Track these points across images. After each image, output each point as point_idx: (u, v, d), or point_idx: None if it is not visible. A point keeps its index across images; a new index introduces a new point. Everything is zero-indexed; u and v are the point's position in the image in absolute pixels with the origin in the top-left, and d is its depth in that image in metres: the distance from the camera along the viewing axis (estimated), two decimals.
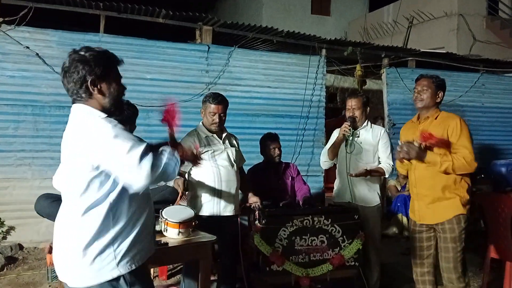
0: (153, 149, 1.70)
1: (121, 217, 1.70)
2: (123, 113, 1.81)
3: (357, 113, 3.46)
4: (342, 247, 3.12)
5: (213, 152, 3.21)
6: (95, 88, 1.71)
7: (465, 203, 2.84)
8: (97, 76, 1.70)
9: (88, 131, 1.65)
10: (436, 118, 2.92)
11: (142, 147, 1.62)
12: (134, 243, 1.73)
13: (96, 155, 1.63)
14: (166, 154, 1.74)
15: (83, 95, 1.70)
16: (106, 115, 1.72)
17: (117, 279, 1.69)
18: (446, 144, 2.78)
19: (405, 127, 3.21)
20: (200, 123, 3.33)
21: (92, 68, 1.68)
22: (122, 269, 1.69)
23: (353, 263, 3.16)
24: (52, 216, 2.73)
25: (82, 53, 1.69)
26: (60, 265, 1.74)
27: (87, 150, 1.63)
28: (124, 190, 1.70)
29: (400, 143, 2.81)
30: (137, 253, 1.75)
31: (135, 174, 1.61)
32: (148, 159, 1.62)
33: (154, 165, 1.63)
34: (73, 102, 1.75)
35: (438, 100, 2.94)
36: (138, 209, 1.77)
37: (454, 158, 2.73)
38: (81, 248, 1.65)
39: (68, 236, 1.69)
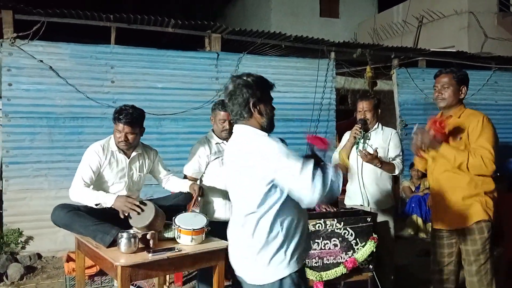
0: (317, 165, 1.82)
1: (288, 222, 1.89)
2: (272, 130, 2.01)
3: (368, 115, 3.44)
4: (356, 250, 3.11)
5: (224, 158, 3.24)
6: (255, 109, 1.92)
7: (487, 208, 2.62)
8: (257, 98, 1.92)
9: (259, 149, 1.83)
10: (459, 117, 2.71)
11: (311, 166, 1.77)
12: (298, 245, 1.92)
13: (270, 170, 1.79)
14: (331, 172, 1.83)
15: (246, 115, 1.93)
16: (267, 134, 1.94)
17: (287, 277, 1.88)
18: (456, 136, 2.62)
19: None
20: (211, 130, 3.36)
21: (254, 91, 1.91)
22: (291, 268, 1.89)
23: (367, 265, 3.15)
24: (68, 226, 2.79)
25: (245, 78, 1.93)
26: (238, 264, 2.00)
27: (261, 166, 1.81)
28: (289, 198, 1.85)
29: (415, 129, 2.62)
30: (301, 254, 1.95)
31: (309, 193, 1.75)
32: (319, 178, 1.75)
33: (324, 184, 1.76)
34: (235, 123, 1.98)
35: (462, 96, 2.74)
36: (299, 213, 1.95)
37: (471, 155, 2.53)
38: (256, 252, 1.88)
39: (244, 241, 1.93)
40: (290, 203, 1.87)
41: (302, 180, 1.74)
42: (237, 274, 2.02)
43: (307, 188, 1.74)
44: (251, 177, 1.85)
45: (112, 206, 2.73)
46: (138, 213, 2.67)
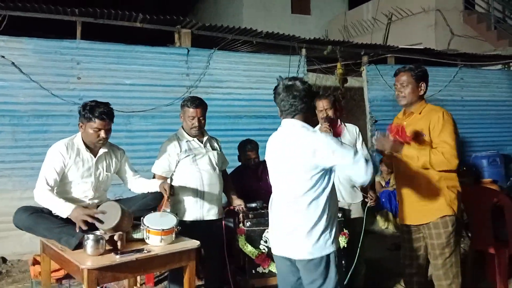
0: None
1: (330, 207, 2.21)
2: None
3: (330, 113, 3.42)
4: None
5: (195, 156, 3.20)
6: (308, 104, 2.29)
7: (451, 203, 2.68)
8: (311, 96, 2.33)
9: (316, 141, 2.15)
10: (420, 113, 2.77)
11: (360, 153, 2.17)
12: (336, 227, 2.26)
13: (326, 160, 2.13)
14: (373, 157, 2.32)
15: (302, 109, 2.26)
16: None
17: (332, 253, 2.21)
18: (420, 141, 2.67)
19: (393, 123, 3.05)
20: (180, 127, 3.31)
21: (310, 90, 2.31)
22: (334, 247, 2.22)
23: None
24: (31, 229, 2.68)
25: (299, 81, 2.29)
26: (283, 243, 2.28)
27: (317, 156, 2.12)
28: (332, 186, 2.22)
29: (375, 134, 2.71)
30: (337, 236, 2.28)
31: (364, 176, 2.14)
32: (370, 164, 2.15)
33: (374, 167, 2.17)
34: (285, 117, 2.31)
35: (422, 92, 2.79)
36: (336, 199, 2.34)
37: (432, 152, 2.59)
38: (307, 230, 2.17)
39: (294, 221, 2.21)
40: (333, 189, 2.25)
41: (358, 165, 2.12)
42: (277, 254, 2.31)
43: (362, 174, 2.13)
44: (306, 164, 2.14)
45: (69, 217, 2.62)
46: (101, 217, 2.58)
